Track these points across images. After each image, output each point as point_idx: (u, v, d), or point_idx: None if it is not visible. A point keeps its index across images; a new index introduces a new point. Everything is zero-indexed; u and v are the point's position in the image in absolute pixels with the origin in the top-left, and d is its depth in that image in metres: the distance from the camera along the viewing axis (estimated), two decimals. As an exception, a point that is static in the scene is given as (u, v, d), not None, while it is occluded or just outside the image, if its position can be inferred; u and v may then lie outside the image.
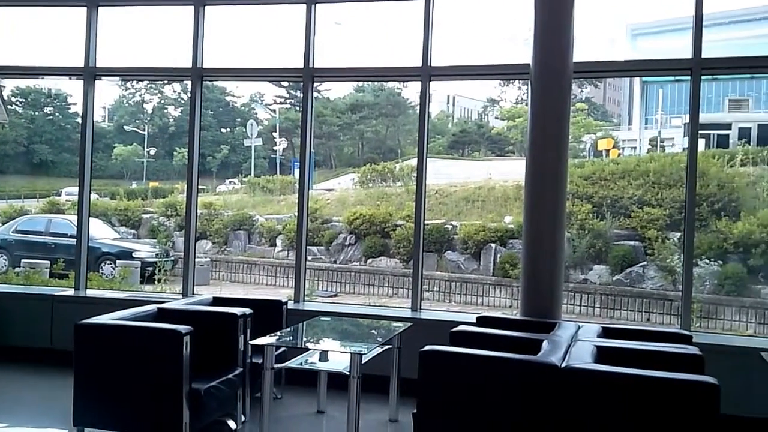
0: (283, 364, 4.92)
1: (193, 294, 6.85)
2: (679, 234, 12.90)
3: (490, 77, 17.98)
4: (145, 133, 27.57)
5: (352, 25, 17.62)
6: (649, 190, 14.76)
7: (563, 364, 3.55)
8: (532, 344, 4.03)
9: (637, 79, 23.45)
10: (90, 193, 7.37)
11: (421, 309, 6.48)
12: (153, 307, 5.21)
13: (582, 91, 25.32)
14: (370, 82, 25.08)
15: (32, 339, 6.71)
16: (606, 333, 4.60)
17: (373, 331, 5.46)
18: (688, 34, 5.87)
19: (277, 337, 4.88)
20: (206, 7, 6.95)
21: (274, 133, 25.82)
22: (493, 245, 14.86)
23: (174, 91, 29.01)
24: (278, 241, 17.39)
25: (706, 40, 5.77)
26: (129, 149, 26.80)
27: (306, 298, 6.88)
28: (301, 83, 6.82)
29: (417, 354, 3.76)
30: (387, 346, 5.12)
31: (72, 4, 7.56)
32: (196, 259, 7.83)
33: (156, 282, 14.00)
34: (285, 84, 25.90)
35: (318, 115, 23.70)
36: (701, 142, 15.68)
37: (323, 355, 4.98)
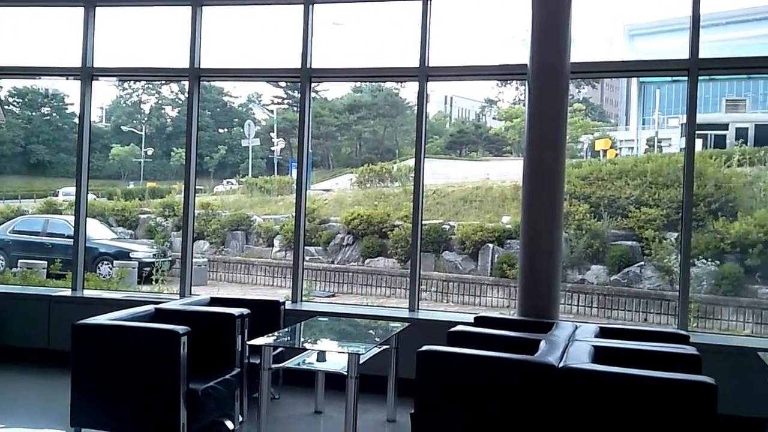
0: (281, 365, 4.92)
1: (190, 294, 6.84)
2: (676, 234, 12.91)
3: (488, 78, 18.01)
4: (143, 133, 27.55)
5: (349, 25, 17.64)
6: (646, 190, 14.78)
7: (561, 364, 3.55)
8: (529, 344, 4.03)
9: (634, 80, 23.50)
10: (87, 193, 7.36)
11: (418, 309, 6.49)
12: (150, 307, 5.21)
13: (579, 92, 25.36)
14: (367, 83, 25.08)
15: (29, 339, 6.70)
16: (603, 333, 4.61)
17: (371, 331, 5.46)
18: (685, 35, 5.88)
19: (275, 338, 4.87)
20: (204, 8, 6.94)
21: (271, 134, 25.81)
22: (490, 245, 14.87)
23: (171, 92, 29.02)
24: (276, 242, 17.39)
25: (704, 41, 5.78)
26: (126, 149, 26.79)
27: (303, 299, 6.89)
28: (299, 83, 6.82)
29: (414, 354, 3.76)
30: (384, 347, 5.12)
31: (69, 5, 7.55)
32: (194, 260, 7.82)
33: (153, 282, 14.00)
34: (282, 84, 25.91)
35: (315, 116, 23.70)
36: (698, 143, 15.75)
37: (321, 356, 4.97)
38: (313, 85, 6.97)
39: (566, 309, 12.99)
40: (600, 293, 13.50)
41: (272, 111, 27.51)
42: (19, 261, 14.60)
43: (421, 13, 6.40)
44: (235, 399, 4.96)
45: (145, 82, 27.40)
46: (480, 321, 5.00)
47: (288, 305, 6.20)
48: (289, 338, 5.06)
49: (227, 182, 24.73)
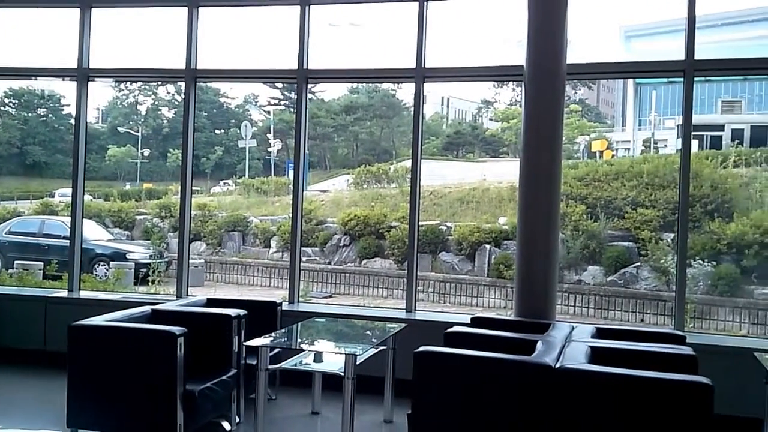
0: (278, 366, 4.92)
1: (187, 295, 6.83)
2: (672, 235, 12.93)
3: (484, 79, 18.05)
4: (139, 134, 27.52)
5: (346, 26, 17.65)
6: (642, 191, 14.80)
7: (557, 365, 3.56)
8: (526, 345, 4.03)
9: (630, 81, 23.55)
10: (83, 194, 7.35)
11: (415, 310, 6.49)
12: (147, 308, 5.21)
13: (576, 93, 25.41)
14: (364, 84, 25.08)
15: (25, 340, 6.68)
16: (600, 333, 4.62)
17: (368, 332, 5.46)
18: (681, 36, 5.90)
19: (272, 339, 4.87)
20: (200, 9, 6.94)
21: (268, 135, 25.82)
22: (487, 246, 14.88)
23: (168, 93, 28.97)
24: (273, 243, 17.37)
25: (699, 42, 5.79)
26: (123, 150, 26.75)
27: (300, 299, 6.88)
28: (296, 84, 6.82)
29: (411, 355, 3.76)
30: (381, 347, 5.12)
31: (65, 6, 7.55)
32: (190, 261, 7.82)
33: (150, 283, 13.97)
34: (279, 85, 25.92)
35: (312, 117, 23.69)
36: (694, 144, 15.79)
37: (318, 356, 4.98)
38: (309, 86, 6.97)
39: (563, 310, 13.00)
40: (596, 294, 13.52)
41: (269, 112, 27.51)
42: (16, 262, 14.56)
43: (418, 15, 6.40)
44: (231, 400, 4.96)
45: (141, 83, 27.36)
46: (477, 322, 5.00)
47: (285, 306, 6.20)
48: (286, 339, 5.06)
49: (224, 183, 24.71)
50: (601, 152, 20.62)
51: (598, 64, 7.22)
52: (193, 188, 7.36)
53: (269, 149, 25.38)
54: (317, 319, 5.89)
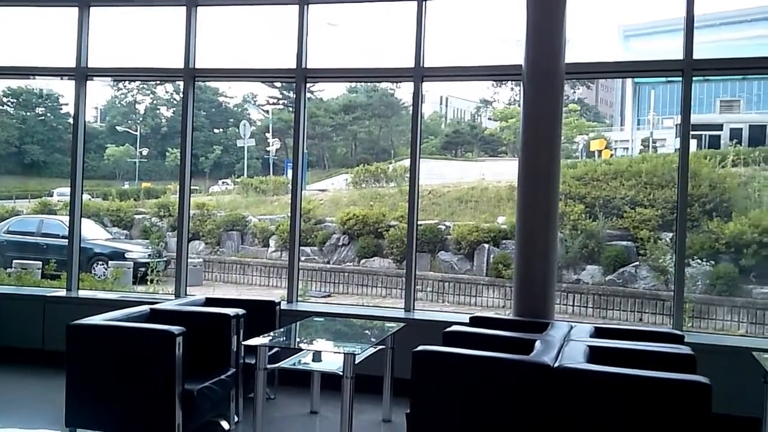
0: (276, 365, 4.92)
1: (185, 295, 6.84)
2: (671, 234, 12.95)
3: (483, 78, 17.99)
4: (138, 133, 27.49)
5: (344, 25, 17.63)
6: (641, 190, 14.81)
7: (556, 364, 3.56)
8: (525, 344, 4.04)
9: (629, 80, 23.51)
10: (82, 193, 7.35)
11: (414, 309, 6.49)
12: (145, 307, 5.21)
13: (574, 92, 25.40)
14: (363, 83, 25.07)
15: (24, 340, 6.68)
16: (598, 333, 4.62)
17: (367, 331, 5.46)
18: (679, 36, 5.90)
19: (270, 338, 4.87)
20: (198, 8, 6.94)
21: (267, 134, 25.80)
22: (486, 245, 14.88)
23: (166, 92, 28.94)
24: (271, 242, 17.37)
25: (698, 42, 5.80)
26: (121, 150, 26.72)
27: (299, 299, 6.88)
28: (294, 84, 6.82)
29: (410, 354, 3.76)
30: (380, 347, 5.12)
31: (64, 5, 7.54)
32: (189, 260, 7.81)
33: (148, 283, 13.96)
34: (278, 84, 25.89)
35: (311, 116, 23.69)
36: (693, 143, 15.79)
37: (316, 356, 4.98)
38: (308, 85, 6.97)
39: (561, 309, 13.00)
40: (595, 293, 13.53)
41: (267, 111, 27.48)
42: (14, 261, 14.53)
43: (416, 14, 6.40)
44: (230, 399, 4.96)
45: (139, 82, 27.27)
46: (475, 321, 5.01)
47: (283, 305, 6.20)
48: (284, 338, 5.06)
49: (222, 182, 24.69)
50: (600, 152, 20.63)
51: (597, 63, 7.22)
52: (192, 187, 7.36)
53: (268, 148, 25.36)
54: (316, 319, 5.89)
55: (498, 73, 9.04)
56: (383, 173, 19.77)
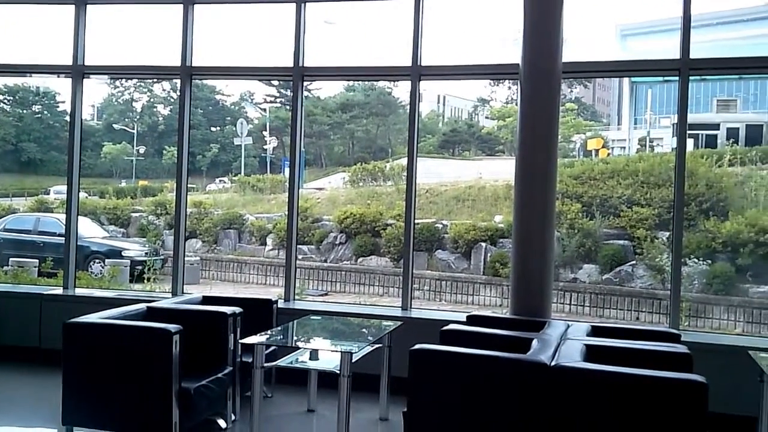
0: (273, 363, 4.91)
1: (182, 293, 6.83)
2: (667, 233, 12.96)
3: (480, 77, 18.06)
4: (135, 131, 27.46)
5: (342, 24, 17.62)
6: (638, 189, 14.84)
7: (553, 363, 3.56)
8: (521, 343, 4.04)
9: (626, 80, 23.55)
10: (79, 191, 7.33)
11: (411, 308, 6.49)
12: (142, 306, 5.20)
13: (571, 91, 25.41)
14: (360, 82, 25.07)
15: (20, 338, 6.67)
16: (595, 332, 4.62)
17: (364, 329, 5.46)
18: (676, 35, 5.90)
19: (268, 336, 4.87)
20: (195, 6, 6.92)
21: (264, 132, 25.77)
22: (483, 244, 14.89)
23: (163, 90, 28.95)
24: (268, 240, 17.37)
25: (695, 41, 5.80)
26: (118, 148, 26.69)
27: (296, 297, 6.88)
28: (291, 82, 6.81)
29: (407, 353, 3.76)
30: (377, 345, 5.12)
31: (60, 2, 7.51)
32: (186, 258, 7.81)
33: (145, 281, 13.95)
34: (275, 83, 25.86)
35: (308, 114, 23.68)
36: (690, 142, 15.78)
37: (313, 354, 4.98)
38: (305, 83, 6.97)
39: (558, 308, 13.02)
40: (592, 292, 13.55)
41: (265, 109, 27.47)
42: (10, 259, 14.52)
43: (414, 12, 6.40)
44: (227, 398, 4.96)
45: (136, 80, 27.30)
46: (472, 320, 5.01)
47: (281, 304, 6.19)
48: (281, 337, 5.06)
49: (220, 181, 24.67)
50: (597, 151, 20.65)
51: (594, 62, 7.21)
52: (189, 186, 7.35)
53: (265, 147, 25.34)
54: (313, 317, 5.89)
55: (495, 72, 9.03)
56: (380, 172, 19.77)
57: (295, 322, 5.49)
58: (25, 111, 27.58)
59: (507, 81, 23.34)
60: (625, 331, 4.86)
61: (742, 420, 4.76)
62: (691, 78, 5.88)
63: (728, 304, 12.45)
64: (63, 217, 7.62)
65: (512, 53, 5.83)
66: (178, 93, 7.18)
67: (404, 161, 7.11)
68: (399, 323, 5.42)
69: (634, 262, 13.82)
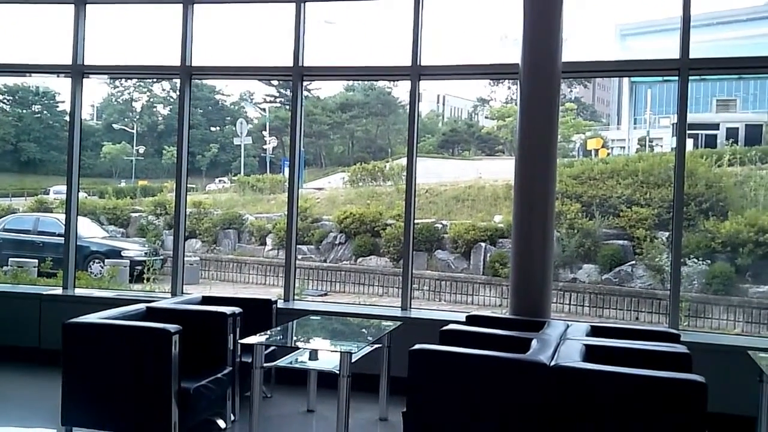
0: (273, 363, 4.91)
1: (182, 293, 6.83)
2: (667, 233, 12.96)
3: (480, 77, 18.02)
4: (134, 131, 27.44)
5: (342, 24, 17.62)
6: (637, 189, 14.84)
7: (552, 363, 3.56)
8: (521, 343, 4.04)
9: (625, 80, 23.56)
10: (78, 191, 7.33)
11: (411, 308, 6.49)
12: (142, 306, 5.20)
13: (571, 91, 25.40)
14: (360, 81, 25.06)
15: (20, 338, 6.66)
16: (595, 332, 4.63)
17: (363, 330, 5.46)
18: (676, 35, 5.91)
19: (267, 336, 4.87)
20: (195, 5, 6.92)
21: (264, 132, 25.76)
22: (482, 244, 14.89)
23: (163, 90, 28.91)
24: (268, 240, 17.36)
25: (694, 41, 5.81)
26: (118, 147, 26.67)
27: (296, 297, 6.88)
28: (291, 82, 6.81)
29: (407, 353, 3.76)
30: (377, 345, 5.12)
31: (60, 2, 7.51)
32: (186, 258, 7.81)
33: (145, 281, 13.95)
34: (275, 83, 25.84)
35: (308, 114, 23.67)
36: (689, 142, 15.80)
37: (313, 354, 4.98)
38: (305, 83, 6.97)
39: (558, 308, 13.02)
40: (591, 292, 13.55)
41: (264, 109, 27.46)
42: (10, 259, 14.51)
43: (413, 12, 6.40)
44: (226, 398, 4.96)
45: (136, 80, 27.28)
46: (472, 320, 5.02)
47: (280, 304, 6.20)
48: (281, 337, 5.06)
49: (219, 181, 24.66)
50: (597, 150, 20.65)
51: (594, 62, 7.21)
52: (189, 186, 7.35)
53: (265, 147, 25.33)
54: (312, 317, 5.89)
55: (495, 72, 9.02)
56: (380, 172, 19.76)
57: (295, 322, 5.49)
58: (24, 111, 27.56)
59: (507, 81, 23.33)
60: (625, 331, 4.87)
61: (741, 420, 4.76)
62: (690, 78, 5.89)
63: (728, 304, 12.46)
64: (62, 217, 7.62)
65: (512, 53, 5.83)
66: (178, 93, 7.18)
67: (404, 161, 7.11)
68: (398, 323, 5.42)
69: (633, 262, 13.81)
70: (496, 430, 3.64)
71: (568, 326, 4.68)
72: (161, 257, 16.29)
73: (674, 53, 5.89)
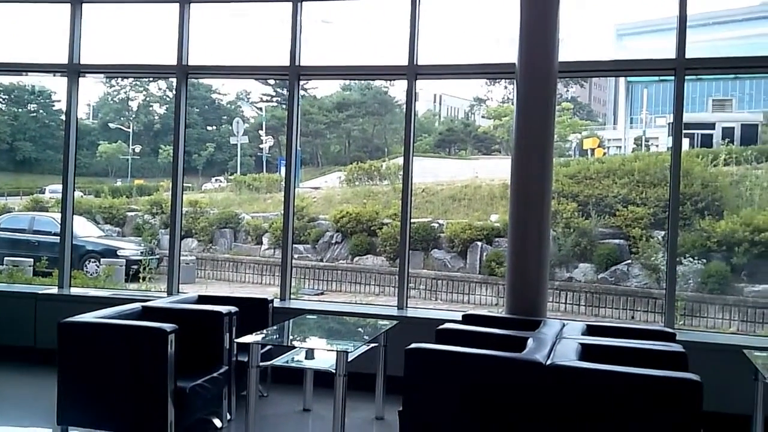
0: (269, 362, 4.91)
1: (178, 292, 6.82)
2: (663, 232, 12.99)
3: (476, 76, 18.07)
4: (130, 130, 27.41)
5: (338, 23, 17.61)
6: (633, 188, 14.86)
7: (548, 362, 3.57)
8: (517, 342, 4.05)
9: (622, 79, 23.63)
10: (74, 190, 7.32)
11: (407, 307, 6.49)
12: (137, 305, 5.19)
13: (568, 91, 25.45)
14: (356, 81, 25.05)
15: (15, 338, 6.65)
16: (591, 330, 4.63)
17: (360, 329, 5.46)
18: (672, 35, 5.92)
19: (263, 335, 4.87)
20: (191, 5, 6.91)
21: (260, 131, 25.76)
22: (479, 243, 14.90)
23: (159, 89, 28.87)
24: (264, 239, 17.35)
25: (690, 41, 5.82)
26: (114, 147, 26.63)
27: (292, 296, 6.88)
28: (288, 81, 6.80)
29: (403, 352, 3.76)
30: (373, 344, 5.12)
31: (56, 1, 7.50)
32: (182, 258, 7.80)
33: (141, 280, 13.92)
34: (271, 82, 25.84)
35: (304, 113, 23.65)
36: (685, 142, 15.87)
37: (309, 353, 4.98)
38: (301, 82, 6.96)
39: (554, 307, 13.04)
40: (587, 291, 13.57)
41: (261, 108, 27.45)
42: (5, 258, 14.48)
43: (410, 12, 6.40)
44: (223, 397, 4.95)
45: (132, 79, 27.25)
46: (468, 319, 5.02)
47: (276, 303, 6.19)
48: (277, 336, 5.05)
49: (215, 180, 24.65)
50: (593, 150, 20.68)
51: (590, 62, 7.22)
52: (185, 185, 7.34)
53: (261, 146, 25.31)
54: (309, 316, 5.89)
55: (492, 72, 9.02)
56: (377, 171, 19.77)
57: (291, 321, 5.48)
58: (20, 110, 27.51)
59: (503, 80, 23.36)
60: (621, 330, 4.87)
61: (737, 418, 4.77)
62: (686, 77, 5.89)
63: (723, 303, 12.49)
64: (58, 216, 7.60)
65: (508, 53, 5.83)
66: (174, 92, 7.17)
67: (400, 160, 7.11)
68: (395, 322, 5.42)
69: (629, 261, 13.84)
70: (492, 429, 3.65)
71: (564, 325, 4.68)
72: (157, 256, 16.27)
73: (670, 53, 5.90)
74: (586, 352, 3.88)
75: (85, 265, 15.23)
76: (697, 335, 7.35)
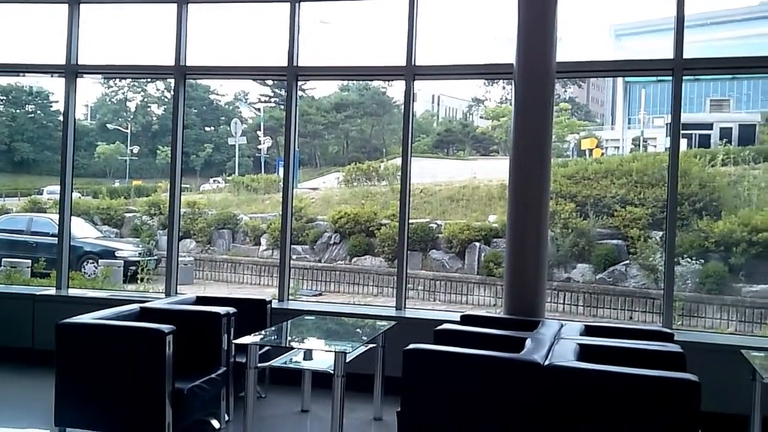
0: (267, 363, 4.91)
1: (176, 293, 6.81)
2: (661, 233, 13.00)
3: (474, 77, 18.04)
4: (128, 131, 27.38)
5: (336, 23, 17.61)
6: (631, 189, 14.87)
7: (546, 362, 3.57)
8: (515, 342, 4.05)
9: (620, 79, 23.61)
10: (72, 191, 7.31)
11: (405, 308, 6.49)
12: (135, 306, 5.19)
13: (565, 91, 25.46)
14: (354, 81, 25.05)
15: (13, 339, 6.64)
16: (589, 331, 4.63)
17: (358, 329, 5.46)
18: (670, 35, 5.92)
19: (261, 336, 4.86)
20: (189, 5, 6.91)
21: (258, 132, 25.74)
22: (477, 244, 14.91)
23: (157, 90, 28.83)
24: (263, 240, 17.34)
25: (688, 41, 5.82)
26: (112, 147, 26.60)
27: (290, 297, 6.87)
28: (286, 82, 6.80)
29: (401, 352, 3.76)
30: (371, 345, 5.12)
31: (54, 1, 7.49)
32: (180, 258, 7.79)
33: (139, 281, 13.92)
34: (269, 82, 25.84)
35: (302, 114, 23.64)
36: (683, 142, 15.87)
37: (307, 354, 4.97)
38: (300, 83, 6.96)
39: (552, 307, 13.04)
40: (586, 291, 13.58)
41: (259, 109, 27.43)
42: (3, 259, 14.47)
43: (408, 12, 6.40)
44: (221, 398, 4.95)
45: (130, 79, 27.22)
46: (466, 319, 5.02)
47: (275, 304, 6.18)
48: (275, 337, 5.05)
49: (214, 181, 24.63)
50: (591, 150, 20.68)
51: (588, 62, 7.21)
52: (183, 186, 7.33)
53: (259, 147, 25.30)
54: (307, 317, 5.89)
55: (490, 72, 9.05)
56: (375, 172, 19.76)
57: (289, 322, 5.48)
58: (18, 111, 27.47)
59: (501, 81, 23.36)
60: (619, 330, 4.88)
61: (735, 419, 4.78)
62: (684, 78, 5.90)
63: (721, 304, 12.50)
64: (56, 217, 7.59)
65: (506, 53, 5.83)
66: (172, 93, 7.16)
67: (398, 161, 7.12)
68: (393, 323, 5.41)
69: (627, 261, 13.85)
70: (491, 430, 3.65)
71: (562, 325, 4.69)
72: (155, 257, 16.26)
73: (668, 53, 5.90)
74: (585, 352, 3.89)
75: (83, 266, 15.22)
76: (695, 335, 7.35)
